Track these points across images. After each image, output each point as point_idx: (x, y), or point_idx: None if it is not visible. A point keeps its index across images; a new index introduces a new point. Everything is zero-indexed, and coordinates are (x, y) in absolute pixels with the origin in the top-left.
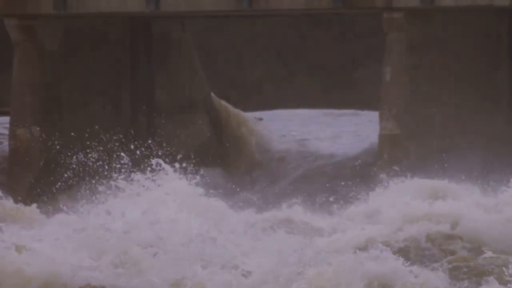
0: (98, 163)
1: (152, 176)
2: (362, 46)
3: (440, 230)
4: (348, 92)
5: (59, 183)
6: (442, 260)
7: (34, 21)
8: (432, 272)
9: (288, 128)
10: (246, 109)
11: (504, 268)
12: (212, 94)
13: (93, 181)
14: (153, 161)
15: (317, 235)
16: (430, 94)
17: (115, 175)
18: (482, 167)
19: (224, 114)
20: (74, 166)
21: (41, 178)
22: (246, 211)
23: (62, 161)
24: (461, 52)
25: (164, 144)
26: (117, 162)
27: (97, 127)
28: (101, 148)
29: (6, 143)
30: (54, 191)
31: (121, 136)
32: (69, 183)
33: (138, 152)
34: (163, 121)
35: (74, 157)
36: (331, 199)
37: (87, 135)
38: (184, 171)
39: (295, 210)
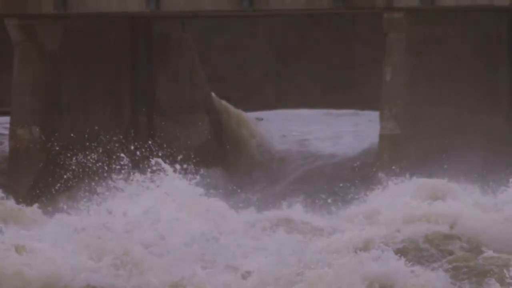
0: (98, 164)
1: (152, 176)
2: (362, 46)
3: (440, 230)
4: (348, 92)
5: (59, 184)
6: (442, 260)
7: (34, 21)
8: (433, 272)
9: (288, 128)
10: (246, 109)
11: (505, 270)
12: (213, 94)
13: (93, 183)
14: (153, 161)
15: (317, 235)
16: (430, 94)
17: (114, 176)
18: (482, 167)
19: (225, 115)
20: (73, 167)
21: (41, 178)
22: (246, 211)
23: (61, 162)
24: (461, 52)
25: (165, 145)
26: (117, 163)
27: (97, 127)
28: (100, 149)
29: (6, 143)
30: (54, 192)
31: (121, 136)
32: (69, 184)
33: (138, 152)
34: (163, 122)
35: (74, 157)
36: (330, 200)
37: (87, 135)
38: (184, 171)
39: (295, 210)
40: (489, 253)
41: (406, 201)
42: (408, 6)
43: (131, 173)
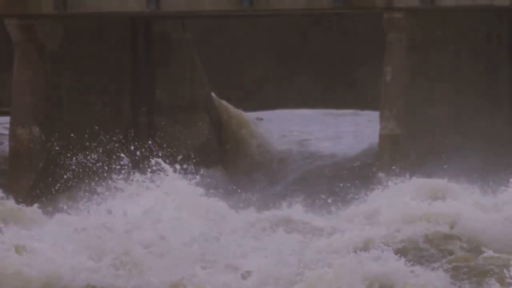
0: (98, 164)
1: (152, 176)
2: (362, 46)
3: (440, 230)
4: (348, 92)
5: (59, 184)
6: (442, 260)
7: (34, 21)
8: (433, 272)
9: (289, 128)
10: (246, 109)
11: (505, 270)
12: (213, 94)
13: (93, 183)
14: (153, 161)
15: (317, 235)
16: (430, 94)
17: (114, 176)
18: (482, 167)
19: (225, 115)
20: (73, 167)
21: (41, 178)
22: (246, 211)
23: (61, 162)
24: (461, 52)
25: (165, 145)
26: (117, 163)
27: (97, 127)
28: (100, 149)
29: (6, 143)
30: (54, 192)
31: (121, 136)
32: (69, 184)
33: (138, 152)
34: (163, 122)
35: (74, 157)
36: (330, 200)
37: (87, 135)
38: (184, 171)
39: (295, 210)
40: (489, 253)
41: (406, 201)
42: (408, 6)
43: (131, 173)
